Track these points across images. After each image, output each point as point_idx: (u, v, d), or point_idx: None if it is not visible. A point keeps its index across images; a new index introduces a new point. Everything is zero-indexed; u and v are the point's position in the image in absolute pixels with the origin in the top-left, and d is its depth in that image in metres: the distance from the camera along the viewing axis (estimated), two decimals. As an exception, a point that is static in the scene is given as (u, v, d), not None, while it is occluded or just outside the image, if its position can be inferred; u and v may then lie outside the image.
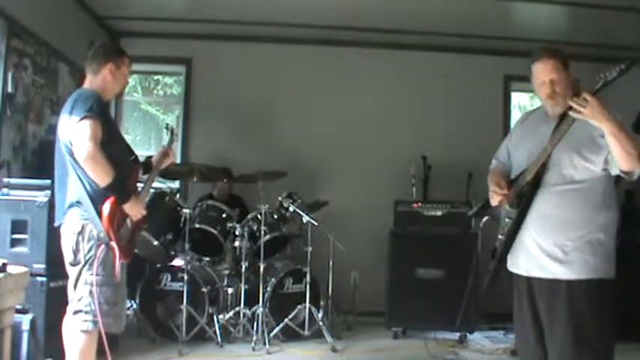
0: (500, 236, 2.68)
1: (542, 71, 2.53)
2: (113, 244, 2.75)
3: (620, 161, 2.33)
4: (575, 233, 2.45)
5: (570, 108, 2.37)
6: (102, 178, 2.71)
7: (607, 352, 2.46)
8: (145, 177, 3.24)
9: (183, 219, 4.60)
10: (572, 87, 2.52)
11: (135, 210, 2.89)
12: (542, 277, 2.51)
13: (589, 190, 2.47)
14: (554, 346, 2.47)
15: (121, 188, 2.81)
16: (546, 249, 2.49)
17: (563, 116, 2.50)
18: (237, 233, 4.81)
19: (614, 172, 2.42)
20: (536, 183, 2.52)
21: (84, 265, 2.77)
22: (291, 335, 4.67)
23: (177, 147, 5.92)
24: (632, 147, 2.26)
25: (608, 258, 2.48)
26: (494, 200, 2.69)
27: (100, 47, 3.21)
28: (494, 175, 2.77)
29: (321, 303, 4.84)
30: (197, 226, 4.72)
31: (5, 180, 3.75)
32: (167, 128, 3.58)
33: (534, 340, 2.58)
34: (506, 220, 2.65)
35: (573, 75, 2.56)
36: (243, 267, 4.70)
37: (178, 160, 5.81)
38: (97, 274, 2.74)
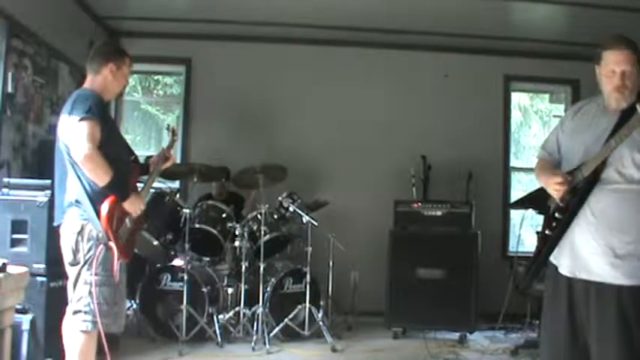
0: (547, 232, 2.51)
1: (615, 61, 2.37)
2: (112, 244, 2.75)
3: None
4: (629, 235, 2.32)
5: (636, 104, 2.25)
6: (100, 178, 2.71)
7: None
8: (145, 177, 3.24)
9: (183, 219, 4.59)
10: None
11: (135, 206, 2.88)
12: (588, 279, 2.35)
13: None
14: (600, 351, 2.32)
15: (120, 186, 2.80)
16: (598, 249, 2.34)
17: (625, 111, 2.34)
18: (237, 233, 4.81)
19: None
20: (593, 179, 2.36)
21: (83, 265, 2.77)
22: (291, 335, 4.67)
23: (177, 147, 5.91)
24: None
25: None
26: (558, 194, 2.44)
27: (101, 47, 3.21)
28: (546, 168, 2.59)
29: (321, 303, 4.84)
30: (197, 226, 4.72)
31: (5, 180, 3.75)
32: (168, 129, 3.58)
33: (567, 345, 2.41)
34: (556, 215, 2.48)
35: None
36: (243, 267, 4.71)
37: (178, 160, 5.81)
38: (96, 274, 2.74)
